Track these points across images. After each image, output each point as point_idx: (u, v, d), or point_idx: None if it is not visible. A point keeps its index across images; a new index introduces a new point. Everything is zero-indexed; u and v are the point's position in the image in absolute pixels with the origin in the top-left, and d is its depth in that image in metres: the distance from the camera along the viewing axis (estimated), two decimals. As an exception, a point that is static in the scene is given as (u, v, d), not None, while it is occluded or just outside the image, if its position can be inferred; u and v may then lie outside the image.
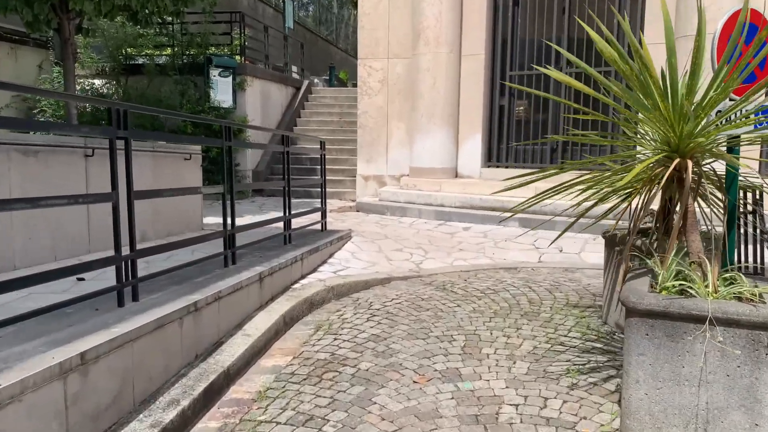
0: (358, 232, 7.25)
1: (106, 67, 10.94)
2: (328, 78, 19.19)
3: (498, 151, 9.21)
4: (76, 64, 10.21)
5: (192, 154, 6.75)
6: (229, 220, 4.32)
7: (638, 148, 3.26)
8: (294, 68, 15.81)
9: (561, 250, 6.46)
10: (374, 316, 4.16)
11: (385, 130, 9.78)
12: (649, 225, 3.66)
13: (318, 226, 6.67)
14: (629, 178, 2.35)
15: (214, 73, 10.24)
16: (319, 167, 11.66)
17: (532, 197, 3.44)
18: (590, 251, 6.39)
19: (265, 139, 11.68)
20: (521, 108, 9.02)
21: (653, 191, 2.77)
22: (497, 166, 9.20)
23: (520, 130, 9.01)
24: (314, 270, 5.42)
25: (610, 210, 3.50)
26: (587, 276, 5.38)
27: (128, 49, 10.19)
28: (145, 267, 4.03)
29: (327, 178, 11.39)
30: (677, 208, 2.87)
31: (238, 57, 11.12)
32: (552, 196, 3.42)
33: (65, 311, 2.85)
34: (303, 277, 5.14)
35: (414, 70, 9.13)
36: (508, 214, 7.11)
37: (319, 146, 6.76)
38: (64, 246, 4.85)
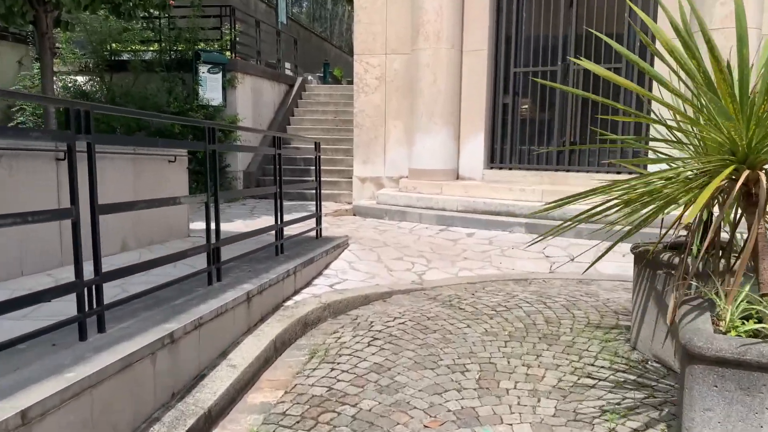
0: (356, 238, 6.84)
1: (90, 63, 10.46)
2: (322, 75, 18.75)
3: (501, 151, 8.81)
4: (57, 59, 9.74)
5: (177, 156, 6.31)
6: (214, 232, 3.89)
7: (676, 153, 2.85)
8: (288, 65, 15.36)
9: (572, 259, 6.07)
10: (376, 339, 3.75)
11: (382, 129, 9.36)
12: (682, 238, 3.26)
13: (313, 233, 6.24)
14: (707, 196, 1.90)
15: (203, 69, 9.79)
16: (313, 168, 11.24)
17: (555, 202, 3.02)
18: (604, 260, 5.99)
19: (257, 139, 11.24)
20: (525, 107, 8.63)
21: (711, 205, 2.36)
22: (500, 168, 8.80)
23: (525, 129, 8.61)
24: (308, 284, 5.00)
25: (644, 221, 3.09)
26: (604, 289, 4.99)
27: (113, 45, 9.70)
28: (120, 284, 3.61)
29: (322, 179, 10.98)
30: (715, 222, 2.47)
31: (228, 53, 10.67)
32: (573, 202, 3.01)
33: (17, 347, 2.43)
34: (296, 292, 4.72)
35: (413, 66, 8.72)
36: (515, 219, 6.70)
37: (313, 147, 6.33)
38: (33, 259, 4.41)
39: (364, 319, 4.19)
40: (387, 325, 4.00)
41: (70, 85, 9.64)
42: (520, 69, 8.56)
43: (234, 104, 10.43)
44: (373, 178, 9.50)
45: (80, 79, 10.33)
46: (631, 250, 3.57)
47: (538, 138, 8.50)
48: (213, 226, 3.88)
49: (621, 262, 5.44)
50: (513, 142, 8.72)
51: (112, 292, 3.25)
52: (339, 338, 3.83)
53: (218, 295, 3.58)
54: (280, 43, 14.03)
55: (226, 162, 10.34)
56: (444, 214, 7.77)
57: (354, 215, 8.72)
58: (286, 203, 9.79)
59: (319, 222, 6.31)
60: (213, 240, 3.86)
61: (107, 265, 2.82)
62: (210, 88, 9.94)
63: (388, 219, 8.25)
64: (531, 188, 7.72)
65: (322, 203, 9.72)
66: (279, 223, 5.08)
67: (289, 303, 4.43)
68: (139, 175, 5.57)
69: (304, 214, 8.70)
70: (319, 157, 6.28)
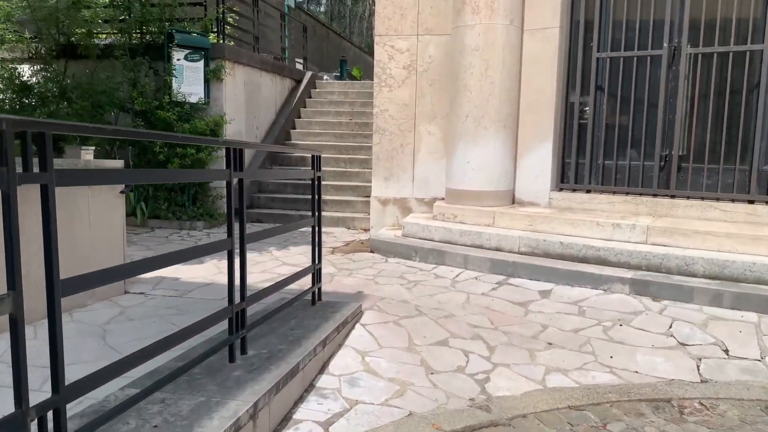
0: (374, 297, 4.66)
1: (42, 48, 8.47)
2: (339, 74, 16.73)
3: (576, 168, 6.58)
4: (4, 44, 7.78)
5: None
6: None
7: None
8: (299, 61, 13.29)
9: (727, 351, 3.82)
10: None
11: (411, 135, 7.19)
12: None
13: (308, 292, 4.08)
14: None
15: (178, 55, 7.73)
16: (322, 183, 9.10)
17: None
18: (786, 357, 3.74)
19: (249, 154, 9.14)
20: (608, 107, 6.39)
21: None
22: (574, 190, 6.57)
23: (611, 137, 6.37)
24: (285, 417, 2.81)
25: None
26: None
27: (64, 23, 7.69)
28: None
29: (332, 198, 8.83)
30: None
31: (213, 36, 8.60)
32: None
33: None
34: (258, 448, 2.54)
35: (456, 50, 6.54)
36: (612, 271, 4.58)
37: (310, 164, 4.19)
38: None
39: None
40: None
41: (7, 75, 7.63)
42: (607, 54, 6.33)
43: (220, 101, 8.35)
44: (397, 199, 7.32)
45: (27, 68, 8.34)
46: None
47: (630, 149, 6.25)
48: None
49: None
50: (593, 154, 6.48)
51: None
52: None
53: None
54: (285, 29, 11.96)
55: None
56: (500, 258, 5.55)
57: (372, 252, 6.54)
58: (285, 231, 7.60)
59: (316, 278, 4.14)
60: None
61: None
62: (188, 79, 7.88)
63: (418, 260, 6.05)
64: (628, 222, 5.47)
65: (331, 230, 7.55)
66: (236, 301, 2.92)
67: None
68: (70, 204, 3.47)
69: (302, 248, 6.58)
70: (319, 179, 4.13)
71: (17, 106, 7.47)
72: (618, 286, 4.89)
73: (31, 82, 7.92)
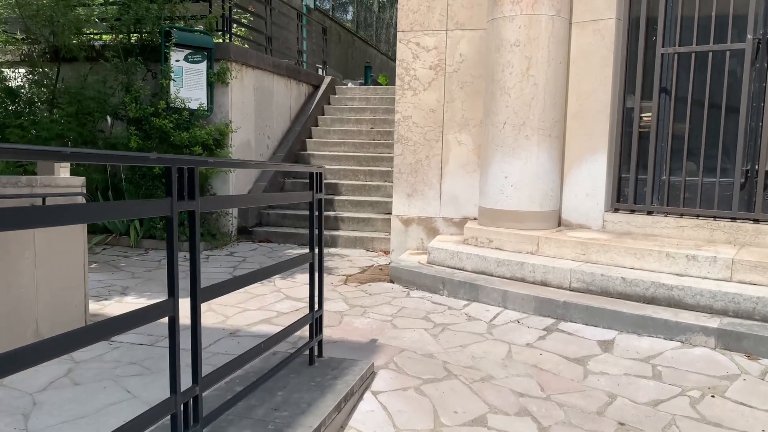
0: (390, 346, 3.78)
1: (34, 50, 7.85)
2: (363, 81, 15.98)
3: (636, 184, 5.61)
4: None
5: (50, 195, 3.46)
6: None
7: None
8: (320, 66, 12.54)
9: None
10: None
11: (438, 145, 6.31)
12: None
13: (303, 345, 3.23)
14: None
15: (177, 56, 6.99)
16: (336, 198, 8.25)
17: None
18: None
19: (257, 158, 8.37)
20: (674, 112, 5.42)
21: None
22: (633, 211, 5.60)
23: (679, 149, 5.39)
24: None
25: None
26: None
27: (57, 22, 7.02)
28: None
29: (349, 215, 7.98)
30: None
31: (219, 36, 7.85)
32: None
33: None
34: None
35: (492, 47, 5.66)
36: (692, 317, 3.62)
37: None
38: None
39: None
40: None
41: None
42: (674, 49, 5.37)
43: (225, 108, 7.59)
44: (422, 219, 6.44)
45: (19, 71, 7.71)
46: None
47: (703, 164, 5.26)
48: None
49: None
50: (656, 169, 5.51)
51: None
52: None
53: None
54: (302, 30, 11.21)
55: (210, 190, 7.47)
56: (548, 296, 4.61)
57: (391, 282, 5.66)
58: (291, 251, 6.82)
59: (315, 330, 3.28)
60: None
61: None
62: (188, 83, 7.13)
63: (446, 294, 5.14)
64: (706, 254, 4.48)
65: (347, 252, 6.70)
66: (191, 383, 2.07)
67: None
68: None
69: (304, 276, 5.73)
70: (320, 202, 3.28)
71: (0, 113, 6.82)
72: (700, 337, 3.91)
73: (18, 86, 7.26)
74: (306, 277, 5.78)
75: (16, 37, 7.77)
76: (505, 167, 5.56)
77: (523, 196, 5.53)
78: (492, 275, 5.17)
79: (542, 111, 5.46)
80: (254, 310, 4.64)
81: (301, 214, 8.06)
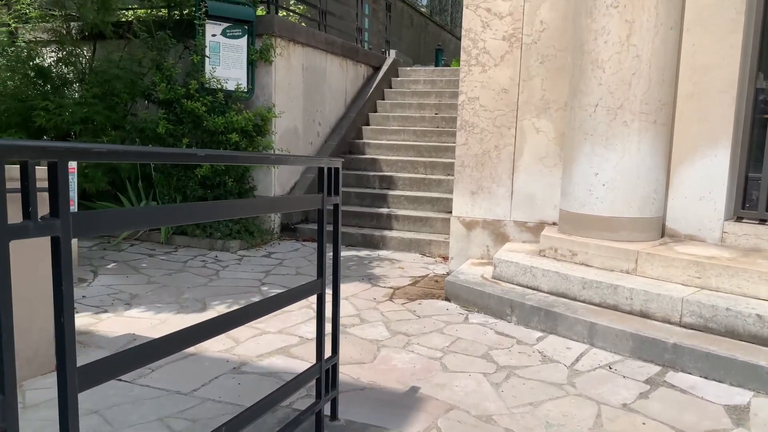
0: (435, 401, 2.87)
1: (72, 27, 7.38)
2: (435, 66, 14.95)
3: (771, 186, 4.38)
4: (15, 22, 6.74)
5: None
6: None
7: None
8: (392, 51, 11.61)
9: None
10: None
11: (510, 133, 5.28)
12: None
13: (317, 397, 2.35)
14: None
15: (213, 30, 6.28)
16: (389, 193, 7.36)
17: None
18: None
19: (301, 148, 7.60)
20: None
21: None
22: (763, 220, 4.39)
23: (835, 140, 4.12)
24: None
25: None
26: None
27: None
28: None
29: (404, 213, 7.08)
30: None
31: (262, 10, 7.09)
32: None
33: None
34: None
35: (582, 10, 4.57)
36: None
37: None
38: None
39: None
40: None
41: (21, 56, 6.49)
42: (834, 6, 4.09)
43: (268, 89, 6.83)
44: (488, 222, 5.44)
45: (52, 51, 7.25)
46: None
47: None
48: None
49: None
50: (802, 167, 4.26)
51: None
52: None
53: None
54: (364, 5, 10.32)
55: (251, 182, 6.75)
56: (651, 334, 3.53)
57: (447, 300, 4.71)
58: (343, 253, 6.04)
59: (325, 387, 2.39)
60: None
61: None
62: (225, 60, 6.41)
63: (515, 321, 4.14)
64: None
65: (401, 257, 5.85)
66: None
67: None
68: None
69: (354, 287, 4.89)
70: (336, 208, 2.39)
71: (26, 94, 6.34)
72: None
73: (50, 65, 6.78)
74: (350, 287, 4.96)
75: (54, 13, 7.32)
76: (596, 161, 4.47)
77: (617, 198, 4.43)
78: (575, 299, 4.12)
79: (646, 90, 4.33)
80: (273, 333, 3.82)
81: (350, 211, 7.22)
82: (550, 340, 3.82)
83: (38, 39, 7.31)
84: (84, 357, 3.34)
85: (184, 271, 5.38)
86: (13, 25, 6.71)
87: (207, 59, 6.26)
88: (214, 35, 6.30)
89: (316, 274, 2.40)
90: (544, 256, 4.70)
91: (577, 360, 3.51)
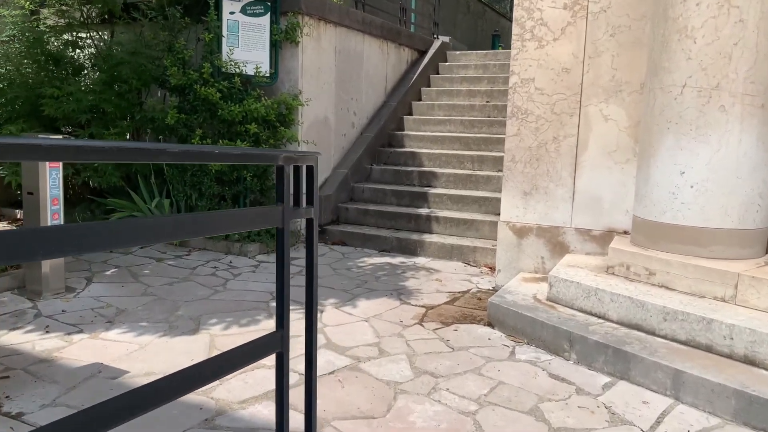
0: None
1: (93, 10, 6.93)
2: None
3: None
4: (28, 6, 6.34)
5: None
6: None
7: None
8: (447, 37, 10.79)
9: None
10: None
11: (572, 121, 4.42)
12: None
13: None
14: None
15: (232, 7, 5.65)
16: (431, 192, 6.60)
17: None
18: None
19: (340, 138, 6.90)
20: None
21: None
22: None
23: None
24: None
25: None
26: None
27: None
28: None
29: (446, 214, 6.27)
30: None
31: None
32: None
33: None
34: None
35: (666, -37, 3.66)
36: None
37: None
38: None
39: None
40: None
41: (32, 40, 6.04)
42: None
43: (294, 74, 6.16)
44: (543, 229, 4.59)
45: (70, 36, 6.82)
46: None
47: None
48: None
49: None
50: None
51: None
52: None
53: None
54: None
55: (271, 178, 6.11)
56: (758, 392, 2.63)
57: (490, 325, 3.90)
58: (366, 260, 5.37)
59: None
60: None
61: None
62: (245, 41, 5.77)
63: (575, 359, 3.31)
64: None
65: (439, 266, 5.20)
66: None
67: None
68: None
69: (380, 304, 4.17)
70: (312, 225, 1.64)
71: (36, 81, 5.90)
72: None
73: (60, 49, 6.32)
74: (375, 304, 4.23)
75: (69, -6, 6.87)
76: (682, 157, 3.56)
77: (709, 203, 3.51)
78: (653, 334, 3.25)
79: (751, 65, 3.39)
80: (267, 367, 3.14)
81: (385, 211, 6.49)
82: (620, 389, 2.97)
83: (58, 24, 6.90)
84: (32, 392, 2.74)
85: (189, 280, 4.77)
86: (28, 6, 6.28)
87: (224, 39, 5.63)
88: (232, 12, 5.67)
89: (275, 324, 1.68)
90: (613, 274, 3.83)
91: (658, 422, 2.66)
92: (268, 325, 3.83)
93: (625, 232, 4.30)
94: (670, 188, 3.62)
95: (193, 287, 4.59)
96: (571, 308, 3.73)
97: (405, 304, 4.34)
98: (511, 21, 21.73)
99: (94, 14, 7.09)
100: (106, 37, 6.88)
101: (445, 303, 4.41)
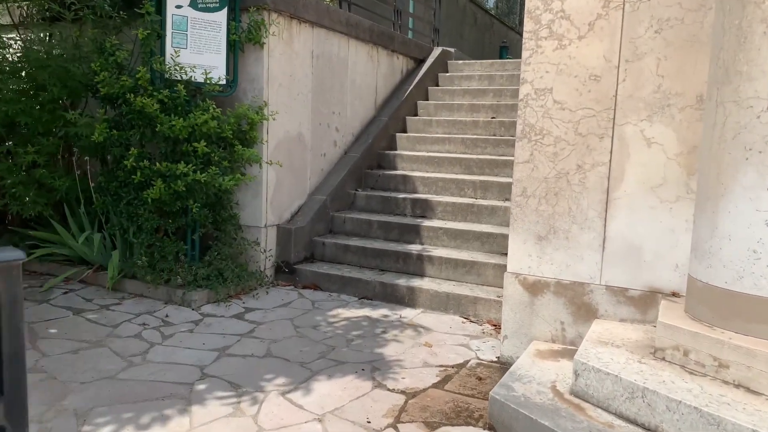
0: None
1: (33, 9, 5.99)
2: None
3: None
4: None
5: None
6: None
7: None
8: (452, 49, 9.82)
9: None
10: None
11: (603, 145, 3.38)
12: None
13: None
14: None
15: (176, 1, 4.65)
16: (424, 224, 5.60)
17: None
18: None
19: (317, 170, 5.88)
20: None
21: None
22: None
23: None
24: None
25: None
26: None
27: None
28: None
29: (442, 254, 5.12)
30: None
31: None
32: None
33: None
34: None
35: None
36: None
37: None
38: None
39: None
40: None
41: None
42: None
43: (259, 82, 5.15)
44: (563, 285, 3.54)
45: (15, 36, 5.87)
46: None
47: None
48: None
49: None
50: None
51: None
52: None
53: None
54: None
55: (230, 209, 5.06)
56: None
57: (491, 430, 2.83)
58: (341, 313, 4.39)
59: None
60: None
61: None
62: (196, 41, 4.78)
63: (616, 498, 2.22)
64: None
65: (430, 323, 4.20)
66: None
67: None
68: None
69: (342, 389, 3.10)
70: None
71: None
72: None
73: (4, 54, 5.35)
74: (336, 387, 3.16)
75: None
76: (766, 199, 2.51)
77: (810, 268, 2.45)
78: (738, 472, 2.18)
79: None
80: None
81: (368, 248, 5.45)
82: None
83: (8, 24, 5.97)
84: None
85: (103, 345, 3.73)
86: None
87: (167, 38, 4.63)
88: (179, 6, 4.67)
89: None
90: (664, 359, 2.77)
91: None
92: (181, 425, 2.77)
93: (674, 294, 3.25)
94: (751, 244, 2.57)
95: (104, 357, 3.54)
96: (607, 411, 2.66)
97: (379, 387, 3.28)
98: (520, 34, 20.97)
99: (34, 11, 6.16)
100: (47, 40, 5.93)
101: (434, 386, 3.34)
